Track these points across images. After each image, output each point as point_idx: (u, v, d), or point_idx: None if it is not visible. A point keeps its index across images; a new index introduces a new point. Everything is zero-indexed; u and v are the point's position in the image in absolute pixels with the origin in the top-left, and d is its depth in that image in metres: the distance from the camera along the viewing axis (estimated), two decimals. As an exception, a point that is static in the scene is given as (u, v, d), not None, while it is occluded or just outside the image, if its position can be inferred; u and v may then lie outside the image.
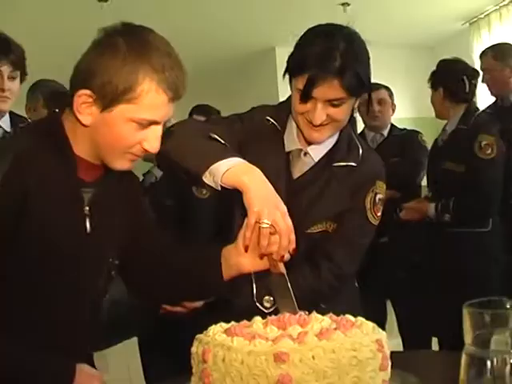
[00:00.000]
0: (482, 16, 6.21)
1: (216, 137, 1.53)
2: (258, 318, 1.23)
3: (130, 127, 1.28)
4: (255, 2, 5.45)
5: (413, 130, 3.65)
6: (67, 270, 1.32)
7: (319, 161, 1.67)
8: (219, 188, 1.37)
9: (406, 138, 3.55)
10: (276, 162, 1.65)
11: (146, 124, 1.29)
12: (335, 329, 1.11)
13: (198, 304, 1.49)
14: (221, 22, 5.81)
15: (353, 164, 1.65)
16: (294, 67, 1.58)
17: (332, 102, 1.53)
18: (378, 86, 3.58)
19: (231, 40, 6.42)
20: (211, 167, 1.38)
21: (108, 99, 1.25)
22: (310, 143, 1.65)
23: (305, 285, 1.58)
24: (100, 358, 2.72)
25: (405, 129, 3.65)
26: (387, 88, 3.63)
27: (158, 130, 1.31)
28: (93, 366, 1.44)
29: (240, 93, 6.81)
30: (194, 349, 1.14)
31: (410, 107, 6.60)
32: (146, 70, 1.25)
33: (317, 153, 1.66)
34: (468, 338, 0.87)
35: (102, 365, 2.72)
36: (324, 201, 1.64)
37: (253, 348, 1.05)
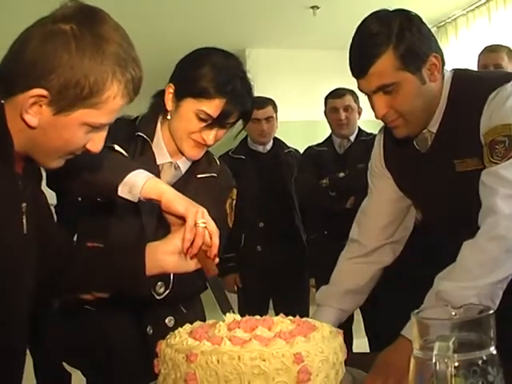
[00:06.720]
0: (450, 20, 6.33)
1: (119, 148, 1.55)
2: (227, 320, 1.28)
3: (83, 131, 1.15)
4: (225, 3, 5.48)
5: (379, 135, 3.61)
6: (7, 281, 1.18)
7: (185, 173, 1.77)
8: (136, 200, 1.44)
9: (372, 144, 3.49)
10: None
11: (101, 128, 1.18)
12: (290, 333, 1.15)
13: (105, 295, 1.53)
14: (190, 24, 5.83)
15: (214, 174, 1.80)
16: (198, 91, 1.65)
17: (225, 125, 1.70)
18: (343, 92, 3.53)
19: (201, 41, 6.43)
20: (125, 179, 1.43)
21: (67, 102, 1.09)
22: (183, 157, 1.75)
23: None
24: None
25: (371, 133, 3.52)
26: (352, 93, 3.50)
27: (105, 131, 1.21)
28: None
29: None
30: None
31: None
32: (114, 70, 1.11)
33: (185, 166, 1.78)
34: (416, 343, 0.92)
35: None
36: None
37: (180, 346, 1.15)
